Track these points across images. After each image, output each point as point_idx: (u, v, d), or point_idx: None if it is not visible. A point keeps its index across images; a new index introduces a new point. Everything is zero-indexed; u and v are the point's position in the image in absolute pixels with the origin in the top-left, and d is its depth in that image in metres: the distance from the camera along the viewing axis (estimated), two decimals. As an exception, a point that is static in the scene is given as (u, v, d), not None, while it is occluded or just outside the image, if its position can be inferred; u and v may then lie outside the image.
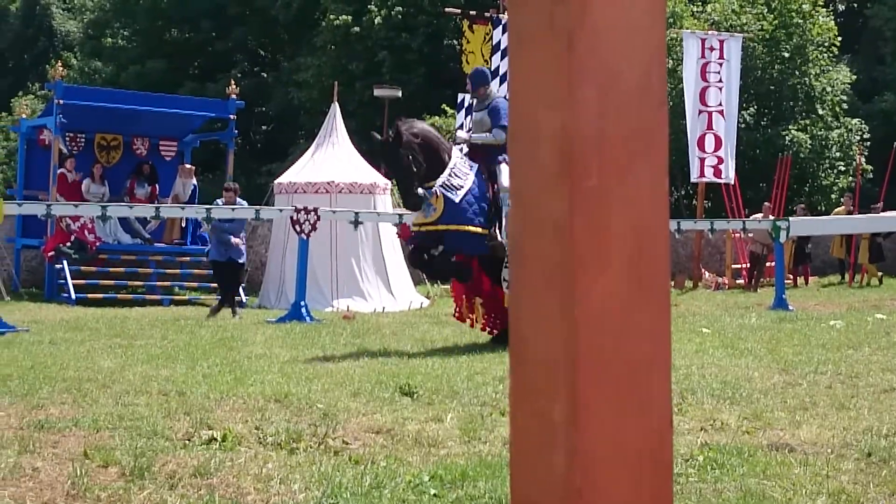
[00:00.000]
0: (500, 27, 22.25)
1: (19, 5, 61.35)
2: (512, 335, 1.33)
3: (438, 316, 13.08)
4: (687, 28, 28.32)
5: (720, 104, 23.98)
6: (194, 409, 7.00)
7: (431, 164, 11.13)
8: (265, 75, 46.80)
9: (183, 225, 22.56)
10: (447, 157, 11.28)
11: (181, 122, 23.32)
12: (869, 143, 33.83)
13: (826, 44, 33.49)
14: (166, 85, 38.67)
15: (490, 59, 22.62)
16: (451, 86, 29.59)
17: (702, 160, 24.03)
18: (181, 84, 41.46)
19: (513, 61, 1.33)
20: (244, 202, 17.39)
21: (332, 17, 38.54)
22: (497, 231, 11.19)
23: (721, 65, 24.08)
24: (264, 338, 12.10)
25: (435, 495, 4.98)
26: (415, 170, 11.01)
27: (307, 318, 14.77)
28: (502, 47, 22.23)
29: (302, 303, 15.16)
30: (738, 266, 25.59)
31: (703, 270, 25.35)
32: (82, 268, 20.13)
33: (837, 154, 33.07)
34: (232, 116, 22.94)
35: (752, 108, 33.07)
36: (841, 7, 44.29)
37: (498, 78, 22.35)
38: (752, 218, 23.44)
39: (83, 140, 22.62)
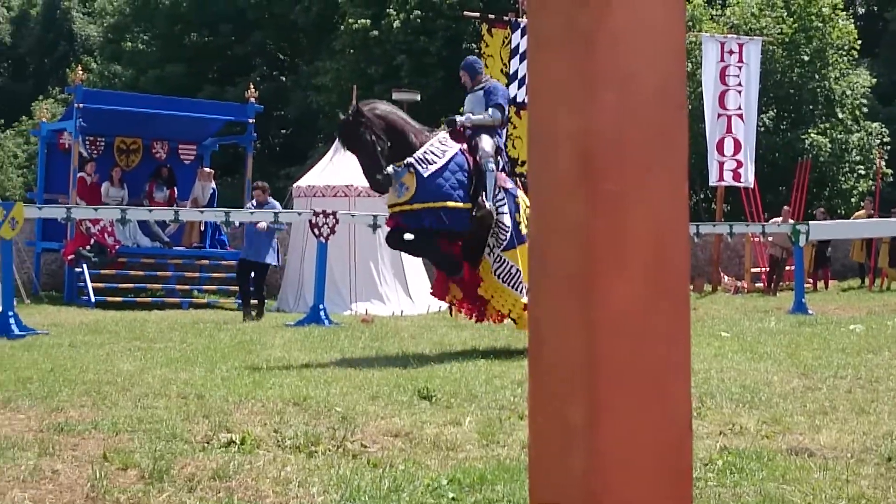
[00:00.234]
0: (519, 31, 22.24)
1: (40, 10, 61.64)
2: (531, 338, 1.33)
3: (457, 319, 13.06)
4: (706, 31, 28.25)
5: (739, 108, 23.92)
6: (213, 413, 7.01)
7: (397, 145, 10.73)
8: (284, 79, 46.85)
9: (202, 228, 22.60)
10: (414, 139, 10.87)
11: (200, 126, 23.36)
12: (889, 146, 33.67)
13: (846, 47, 33.34)
14: (186, 89, 38.76)
15: (509, 62, 22.61)
16: (470, 89, 29.51)
17: (721, 164, 23.97)
18: (200, 88, 41.55)
19: (532, 65, 1.33)
20: (276, 202, 17.48)
21: (350, 20, 38.57)
22: (483, 199, 10.81)
23: (740, 68, 24.02)
24: (283, 341, 12.12)
25: (453, 499, 4.98)
26: (379, 149, 10.61)
27: (326, 322, 14.79)
28: (521, 51, 22.23)
29: (320, 306, 15.17)
30: (758, 270, 25.50)
31: (722, 274, 25.28)
32: (102, 271, 20.18)
33: (857, 158, 32.92)
34: (251, 120, 22.97)
35: (771, 112, 32.96)
36: (861, 10, 44.12)
37: (516, 82, 22.37)
38: (771, 222, 23.37)
39: (103, 144, 22.68)
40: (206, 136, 24.22)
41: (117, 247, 20.60)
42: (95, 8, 56.00)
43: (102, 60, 50.82)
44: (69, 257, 20.31)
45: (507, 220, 10.94)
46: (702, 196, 33.05)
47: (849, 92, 33.50)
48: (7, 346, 11.24)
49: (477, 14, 26.32)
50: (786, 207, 25.30)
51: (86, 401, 7.48)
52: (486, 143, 11.17)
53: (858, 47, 33.92)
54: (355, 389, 8.19)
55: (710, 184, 25.20)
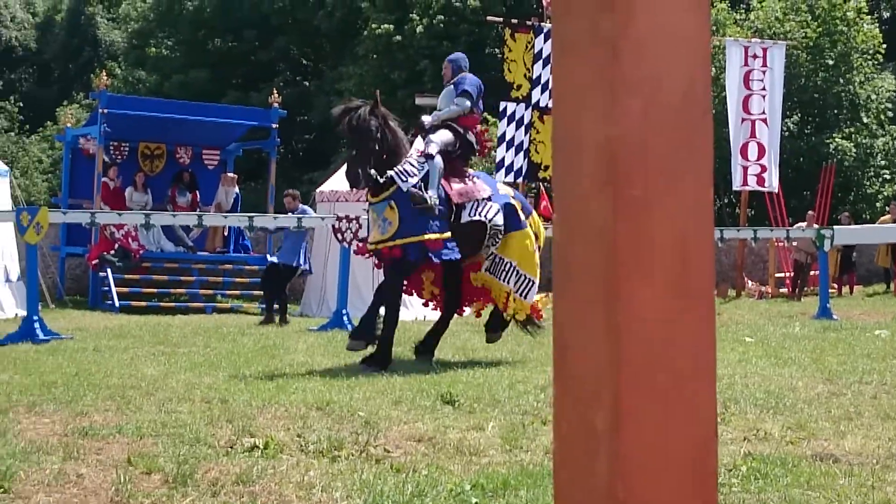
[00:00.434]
0: (542, 35, 22.24)
1: (65, 16, 61.99)
2: (555, 343, 1.33)
3: (479, 325, 13.03)
4: (730, 36, 28.18)
5: (763, 112, 23.85)
6: (237, 417, 7.03)
7: (389, 152, 10.51)
8: (307, 84, 46.95)
9: (225, 233, 22.67)
10: (404, 154, 10.64)
11: (224, 131, 23.43)
12: (914, 150, 33.53)
13: (871, 51, 33.19)
14: (209, 94, 38.90)
15: (532, 67, 22.61)
16: (493, 94, 29.51)
17: (744, 168, 23.91)
18: (224, 93, 41.69)
19: (556, 70, 1.33)
20: (308, 209, 17.54)
21: (374, 26, 38.65)
22: (424, 191, 10.41)
23: (764, 73, 23.95)
24: (306, 346, 12.14)
25: (476, 504, 4.98)
26: (376, 149, 10.39)
27: (349, 327, 14.79)
28: (544, 55, 22.23)
29: (344, 311, 15.19)
30: (782, 275, 25.41)
31: (746, 279, 25.20)
32: (126, 276, 20.26)
33: (882, 162, 32.77)
34: (274, 125, 23.03)
35: (795, 117, 32.84)
36: (886, 14, 43.90)
37: (540, 86, 22.36)
38: (795, 227, 23.29)
39: (127, 149, 22.77)
40: (230, 142, 24.28)
41: (141, 251, 20.68)
42: (120, 14, 56.28)
43: (127, 66, 51.05)
44: (93, 262, 20.39)
45: (499, 218, 10.75)
46: (726, 201, 32.95)
47: (873, 96, 33.35)
48: (32, 351, 11.29)
49: (500, 19, 26.34)
50: (810, 212, 25.21)
51: (110, 405, 7.51)
52: (439, 136, 10.87)
53: (883, 51, 33.76)
54: (378, 394, 8.19)
55: (734, 188, 25.13)
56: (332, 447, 6.13)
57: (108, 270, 20.04)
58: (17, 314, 16.48)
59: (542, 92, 22.22)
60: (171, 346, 11.91)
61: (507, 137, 22.80)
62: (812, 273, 23.31)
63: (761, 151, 23.78)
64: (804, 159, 31.98)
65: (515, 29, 23.09)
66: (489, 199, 10.82)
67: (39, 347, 11.67)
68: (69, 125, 23.87)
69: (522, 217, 11.04)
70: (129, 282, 20.23)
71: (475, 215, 10.67)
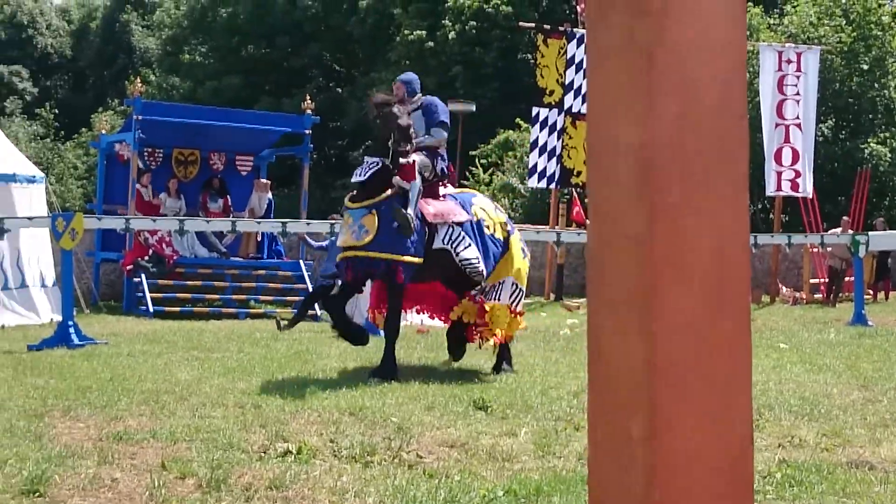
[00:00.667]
0: (575, 41, 22.24)
1: (100, 23, 62.45)
2: (590, 349, 1.33)
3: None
4: (763, 41, 28.05)
5: (797, 117, 23.72)
6: (270, 422, 7.05)
7: (392, 159, 10.35)
8: (340, 90, 47.11)
9: (259, 239, 22.73)
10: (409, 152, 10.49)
11: (257, 138, 23.49)
12: (950, 156, 33.24)
13: (906, 56, 33.00)
14: (242, 100, 39.09)
15: (564, 73, 22.61)
16: (525, 100, 29.54)
17: (778, 174, 23.78)
18: (257, 99, 41.88)
19: (591, 76, 1.32)
20: None
21: (406, 32, 38.74)
22: (405, 210, 10.14)
23: (798, 77, 23.82)
24: (339, 351, 12.15)
25: (509, 510, 4.98)
26: (392, 141, 10.23)
27: (381, 333, 14.79)
28: (577, 61, 22.22)
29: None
30: (816, 281, 25.25)
31: (780, 285, 25.06)
32: (160, 281, 20.34)
33: (918, 167, 32.55)
34: (307, 131, 23.06)
35: (830, 121, 32.64)
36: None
37: (572, 92, 22.35)
38: (830, 232, 23.14)
39: (161, 155, 22.87)
40: (263, 148, 24.35)
41: (175, 257, 20.77)
42: (154, 21, 56.66)
43: (160, 72, 51.40)
44: (128, 268, 20.49)
45: (470, 252, 10.41)
46: (759, 206, 32.78)
47: (909, 101, 33.14)
48: (67, 356, 11.36)
49: (532, 24, 26.36)
50: (845, 218, 25.04)
51: (144, 410, 7.55)
52: (419, 159, 10.71)
53: (919, 56, 33.53)
54: (411, 400, 8.19)
55: (768, 194, 24.99)
56: (365, 452, 6.14)
57: (143, 276, 20.13)
58: (52, 319, 16.56)
59: (575, 97, 22.21)
60: (204, 352, 11.95)
61: (540, 143, 22.80)
62: (847, 279, 23.14)
63: (795, 156, 23.66)
64: (839, 164, 31.79)
65: (548, 34, 23.10)
66: (463, 229, 10.52)
67: (74, 352, 11.73)
68: (104, 131, 23.99)
69: (501, 237, 10.75)
70: (163, 287, 20.30)
71: (448, 244, 10.45)
